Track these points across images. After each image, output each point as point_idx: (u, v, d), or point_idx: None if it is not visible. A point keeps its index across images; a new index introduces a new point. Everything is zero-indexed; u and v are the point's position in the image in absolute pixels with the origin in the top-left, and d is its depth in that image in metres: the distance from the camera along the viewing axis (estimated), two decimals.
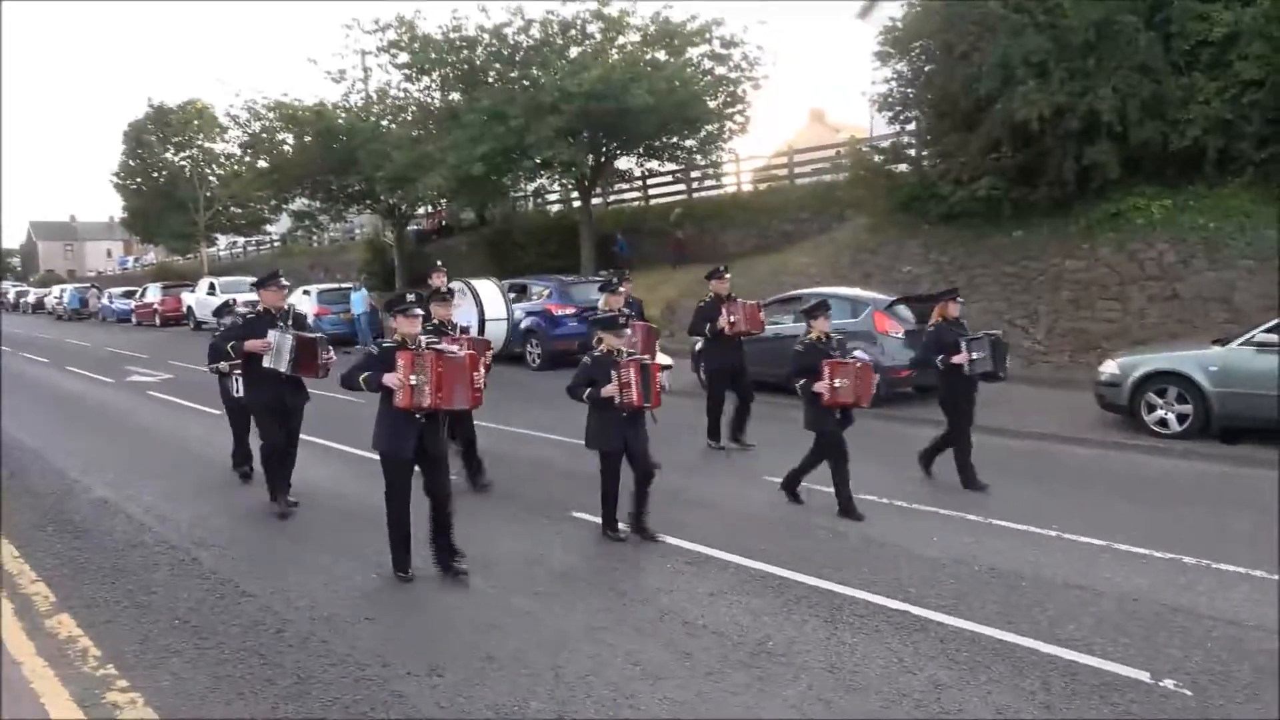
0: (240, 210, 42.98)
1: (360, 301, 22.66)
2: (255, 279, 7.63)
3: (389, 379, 5.66)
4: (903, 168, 17.72)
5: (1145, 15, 13.93)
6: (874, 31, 18.10)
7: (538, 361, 17.19)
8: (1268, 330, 9.28)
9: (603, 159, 24.07)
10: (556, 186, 28.86)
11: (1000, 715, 4.07)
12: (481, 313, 14.87)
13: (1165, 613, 5.16)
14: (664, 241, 24.53)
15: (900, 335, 12.08)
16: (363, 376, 5.75)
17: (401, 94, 27.38)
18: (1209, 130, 13.46)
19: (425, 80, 25.44)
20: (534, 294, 18.18)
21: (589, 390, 6.49)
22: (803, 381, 7.27)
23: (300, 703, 4.29)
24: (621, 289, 9.32)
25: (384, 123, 28.57)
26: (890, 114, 17.91)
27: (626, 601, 5.54)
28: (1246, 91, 13.17)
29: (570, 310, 16.99)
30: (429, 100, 26.27)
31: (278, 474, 7.54)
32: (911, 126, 18.06)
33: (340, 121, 28.63)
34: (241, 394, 8.06)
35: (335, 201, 31.61)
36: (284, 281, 7.44)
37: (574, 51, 22.81)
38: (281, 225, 43.88)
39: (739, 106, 23.29)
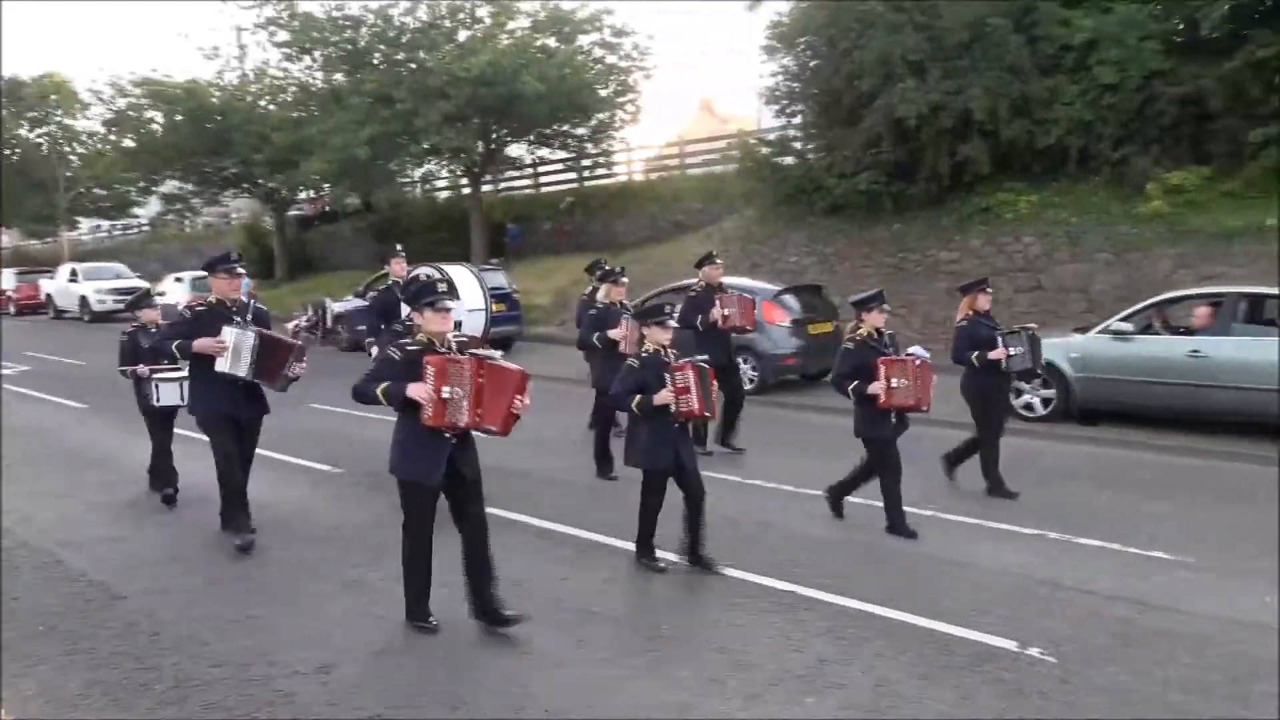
0: (105, 192, 40.47)
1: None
2: (205, 263, 6.42)
3: (415, 391, 4.63)
4: (789, 160, 18.14)
5: (1015, 18, 14.65)
6: (762, 25, 18.44)
7: None
8: (1122, 319, 9.96)
9: (493, 145, 23.78)
10: (445, 173, 28.33)
11: (880, 686, 4.26)
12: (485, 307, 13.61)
13: (1032, 585, 5.49)
14: (556, 230, 24.43)
15: (787, 324, 12.39)
16: (381, 388, 4.71)
17: (281, 73, 26.33)
18: (1071, 130, 14.29)
19: (306, 60, 24.52)
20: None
21: (639, 398, 5.63)
22: (855, 384, 6.48)
23: (180, 706, 4.13)
24: (624, 279, 8.41)
25: (262, 103, 27.42)
26: (777, 107, 18.31)
27: (520, 592, 5.52)
28: (1104, 94, 14.03)
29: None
30: (311, 81, 25.35)
31: (236, 499, 6.30)
32: (798, 120, 18.51)
33: (214, 100, 27.32)
34: (165, 400, 7.18)
35: (209, 185, 30.16)
36: (240, 268, 6.30)
37: (463, 35, 22.42)
38: (151, 209, 41.58)
39: (630, 95, 23.37)
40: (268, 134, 24.40)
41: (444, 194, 29.66)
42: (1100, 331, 9.98)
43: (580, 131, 23.91)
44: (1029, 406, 10.25)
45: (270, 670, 4.45)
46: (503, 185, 28.11)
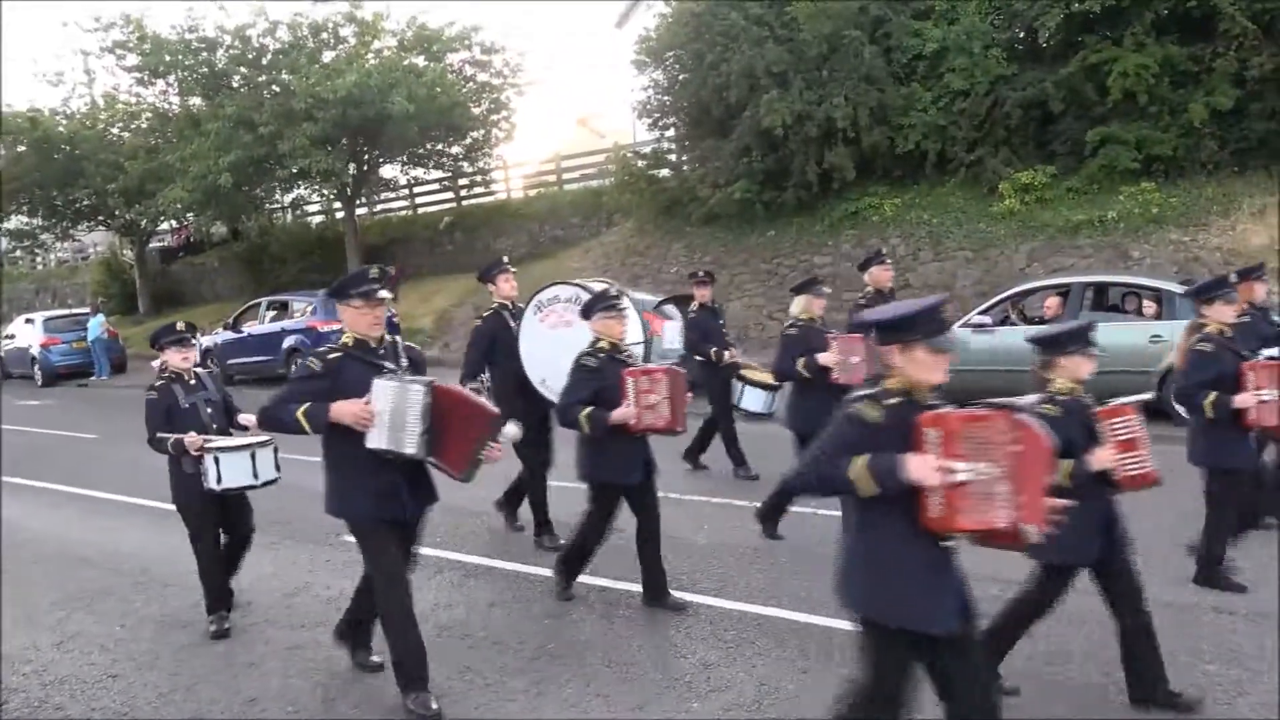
0: None
1: (96, 327, 20.59)
2: (329, 289, 4.41)
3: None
4: (664, 172, 18.38)
5: (869, 31, 15.27)
6: (631, 40, 18.67)
7: None
8: (981, 313, 10.47)
9: (365, 167, 23.25)
10: (317, 197, 27.51)
11: (763, 685, 4.32)
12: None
13: None
14: (435, 251, 24.04)
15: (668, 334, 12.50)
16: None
17: (133, 99, 25.09)
18: (927, 135, 14.96)
19: (160, 84, 23.45)
20: (297, 311, 17.27)
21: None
22: (1215, 396, 5.00)
23: None
24: (826, 290, 6.76)
25: (114, 130, 26.05)
26: (650, 121, 18.54)
27: None
28: (955, 100, 14.76)
29: (337, 325, 16.24)
30: (166, 106, 24.25)
31: (413, 655, 4.18)
32: (670, 133, 18.78)
33: (60, 130, 25.78)
34: (229, 480, 5.04)
35: (60, 218, 28.39)
36: (383, 290, 4.14)
37: (327, 56, 21.86)
38: None
39: (504, 113, 23.25)
40: (122, 163, 23.18)
41: (316, 219, 28.79)
42: (962, 325, 10.45)
43: (455, 150, 23.63)
44: None
45: None
46: (378, 207, 27.51)
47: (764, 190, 16.10)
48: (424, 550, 6.56)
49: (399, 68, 20.68)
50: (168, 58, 21.79)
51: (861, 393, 2.98)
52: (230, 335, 17.82)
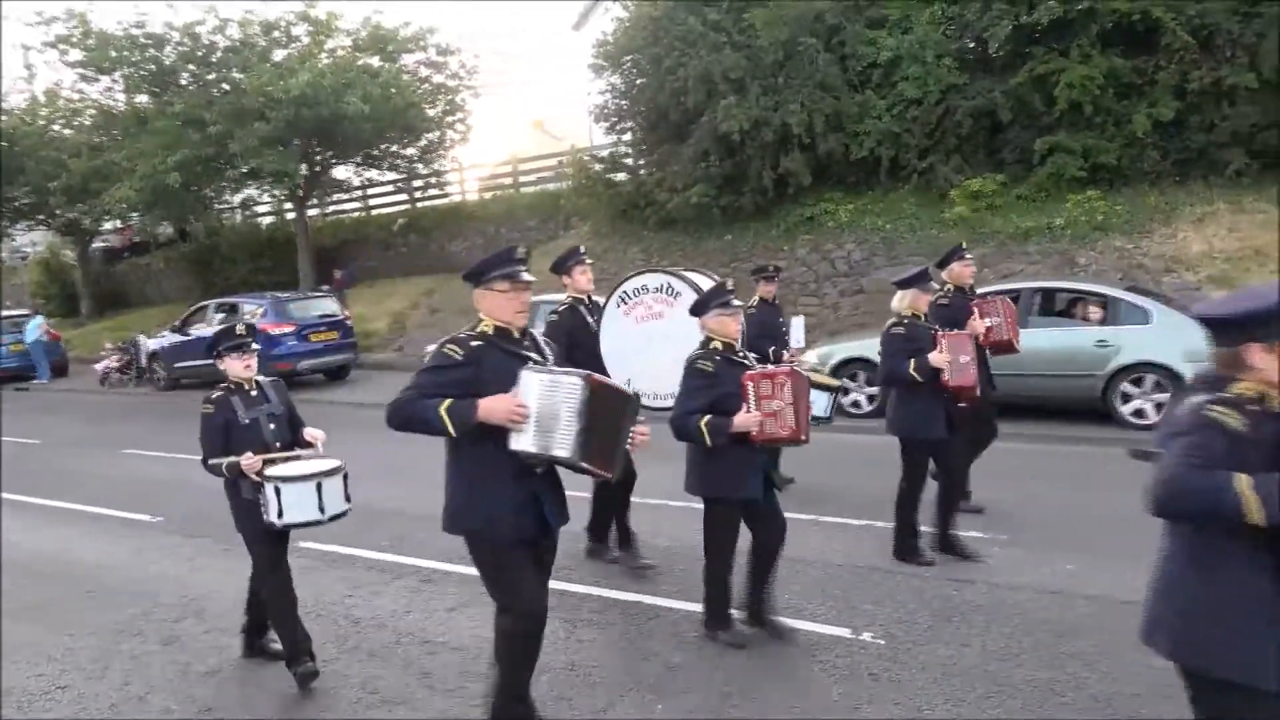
0: None
1: (34, 329, 20.03)
2: (465, 272, 3.73)
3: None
4: (621, 176, 18.41)
5: (825, 38, 15.47)
6: (589, 44, 18.68)
7: None
8: None
9: (317, 168, 22.94)
10: (267, 197, 27.06)
11: (725, 686, 4.35)
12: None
13: (863, 573, 5.75)
14: (388, 253, 23.79)
15: None
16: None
17: (77, 95, 24.44)
18: (881, 142, 15.19)
19: (105, 80, 22.88)
20: (247, 313, 16.95)
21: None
22: None
23: None
24: (934, 285, 6.18)
25: (56, 126, 25.34)
26: (607, 124, 18.57)
27: (361, 628, 5.33)
28: (908, 108, 15.01)
29: (288, 328, 16.03)
30: (111, 103, 23.67)
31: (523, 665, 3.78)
32: (628, 137, 18.82)
33: None
34: (291, 516, 4.34)
35: None
36: (524, 275, 3.61)
37: (279, 55, 21.53)
38: None
39: (459, 115, 23.12)
40: (64, 160, 22.57)
41: (267, 219, 28.33)
42: None
43: (409, 152, 23.43)
44: (856, 404, 10.78)
45: None
46: (330, 209, 27.15)
47: (721, 195, 16.20)
48: (381, 556, 6.55)
49: (353, 68, 20.46)
50: (113, 54, 21.28)
51: (1209, 396, 2.43)
52: (177, 338, 17.43)
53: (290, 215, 25.05)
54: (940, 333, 5.77)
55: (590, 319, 6.01)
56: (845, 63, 15.51)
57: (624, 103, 17.94)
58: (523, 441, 3.41)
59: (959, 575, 5.61)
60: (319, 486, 4.33)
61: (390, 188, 25.90)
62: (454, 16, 33.58)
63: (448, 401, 3.40)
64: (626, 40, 17.29)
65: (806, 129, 15.09)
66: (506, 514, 3.54)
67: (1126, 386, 9.45)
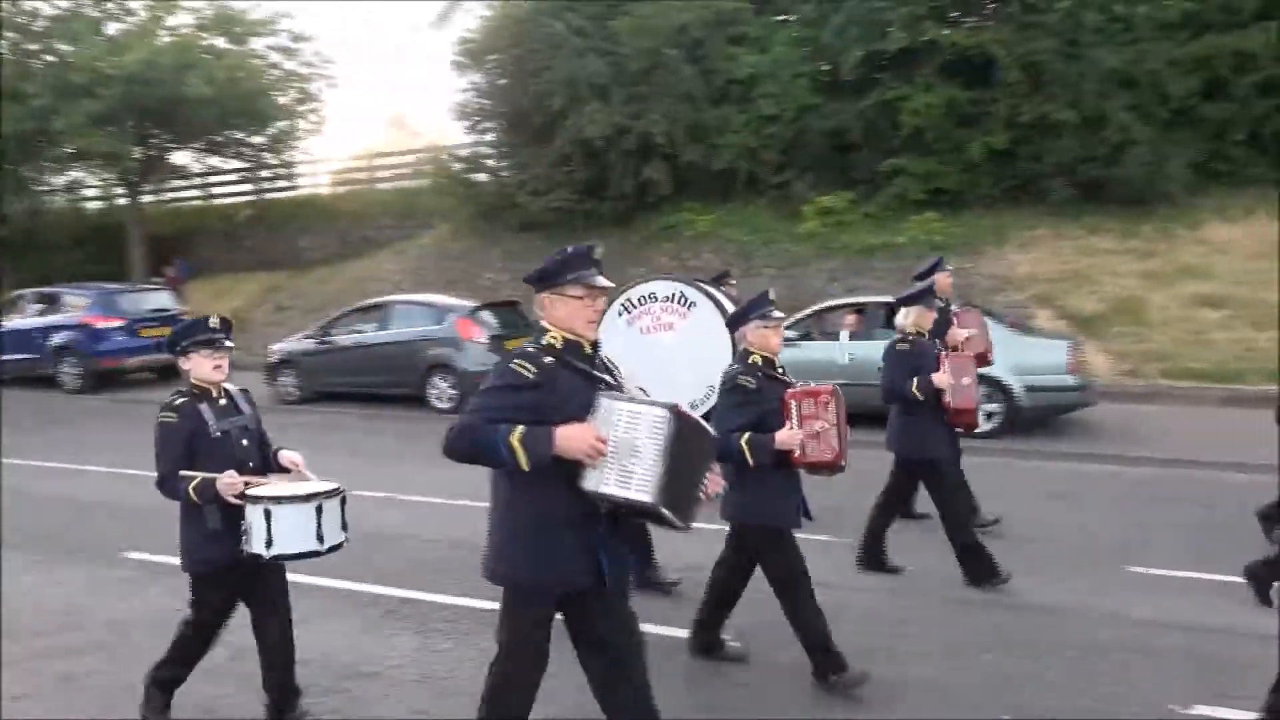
0: None
1: None
2: (529, 276, 3.15)
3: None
4: (482, 177, 18.17)
5: (688, 51, 15.78)
6: (451, 41, 18.37)
7: (79, 383, 14.87)
8: (787, 327, 11.00)
9: (153, 151, 21.54)
10: (97, 180, 25.16)
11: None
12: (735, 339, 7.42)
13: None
14: (231, 246, 22.58)
15: (484, 340, 12.34)
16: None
17: None
18: (739, 156, 15.63)
19: None
20: (69, 305, 15.69)
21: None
22: None
23: None
24: (937, 301, 6.11)
25: None
26: (469, 123, 18.29)
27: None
28: (766, 125, 15.51)
29: (117, 323, 14.94)
30: None
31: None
32: (489, 137, 18.60)
33: None
34: (283, 546, 3.62)
35: None
36: (600, 280, 3.07)
37: (113, 28, 20.11)
38: None
39: (312, 105, 22.28)
40: None
41: (95, 204, 26.32)
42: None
43: (257, 140, 22.37)
44: None
45: None
46: (167, 196, 25.51)
47: (583, 200, 16.25)
48: None
49: (196, 47, 19.34)
50: None
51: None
52: None
53: (122, 201, 23.39)
54: (944, 353, 5.68)
55: None
56: (707, 76, 15.88)
57: (486, 102, 17.74)
58: (598, 481, 2.90)
59: (819, 579, 5.79)
60: (319, 511, 3.65)
61: (235, 177, 24.61)
62: (311, 5, 32.26)
63: (519, 429, 2.87)
64: (489, 40, 17.11)
65: (668, 139, 15.34)
66: (563, 566, 3.06)
67: None
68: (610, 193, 16.08)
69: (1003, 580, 5.44)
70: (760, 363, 4.22)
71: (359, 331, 12.98)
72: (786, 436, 4.05)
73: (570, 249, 3.09)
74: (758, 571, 4.43)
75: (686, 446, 2.91)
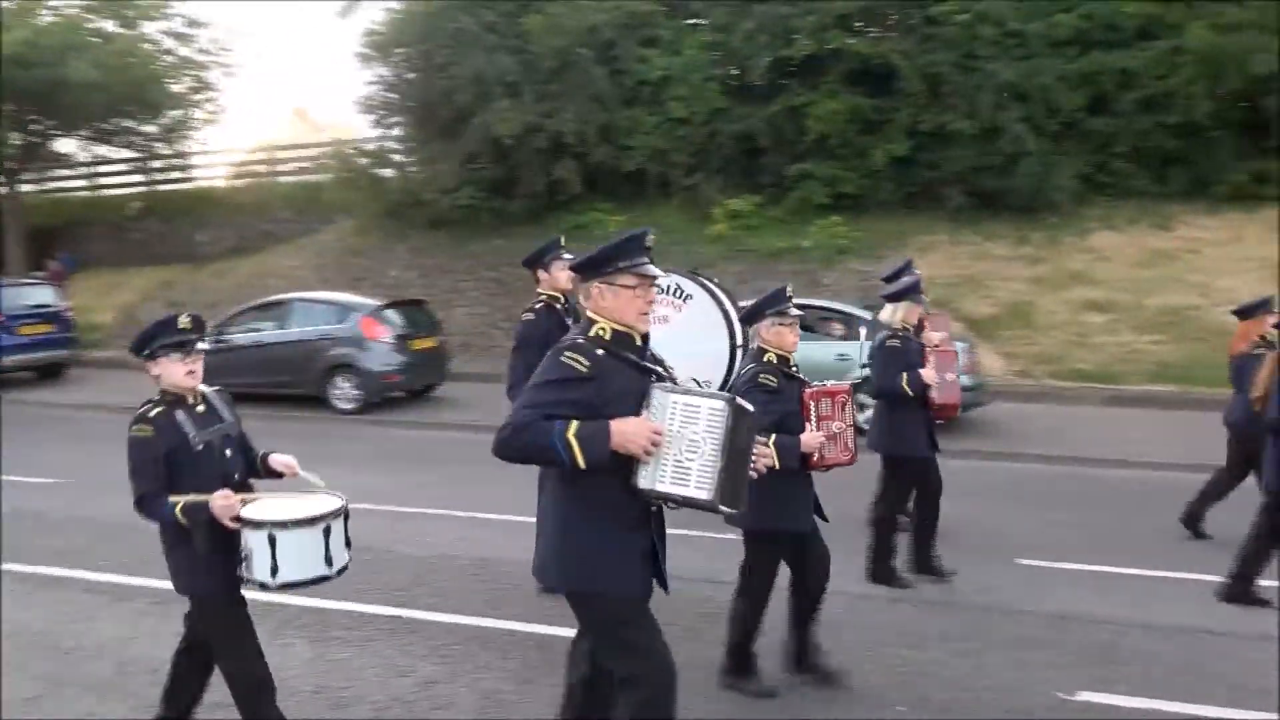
0: None
1: None
2: (586, 258, 2.98)
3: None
4: (389, 172, 17.78)
5: (599, 51, 15.76)
6: (358, 31, 17.92)
7: None
8: None
9: (34, 138, 20.38)
10: None
11: (485, 699, 4.27)
12: (732, 333, 6.50)
13: None
14: (121, 239, 21.51)
15: (389, 340, 12.06)
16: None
17: None
18: (649, 158, 15.69)
19: None
20: None
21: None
22: None
23: None
24: (922, 298, 5.94)
25: None
26: (374, 117, 17.89)
27: (76, 658, 4.74)
28: (676, 127, 15.60)
29: None
30: None
31: None
32: (396, 131, 18.21)
33: None
34: (288, 573, 3.27)
35: None
36: (652, 269, 2.93)
37: None
38: None
39: (209, 94, 21.43)
40: None
41: None
42: None
43: (149, 129, 21.41)
44: None
45: None
46: (50, 185, 24.15)
47: (491, 198, 16.07)
48: (103, 577, 5.87)
49: (82, 29, 18.38)
50: None
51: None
52: None
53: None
54: (929, 349, 5.69)
55: (570, 322, 5.22)
56: (618, 77, 15.89)
57: (393, 96, 17.38)
58: (652, 478, 2.76)
59: (716, 577, 5.83)
60: (327, 532, 3.33)
61: (125, 167, 23.48)
62: None
63: (574, 424, 2.73)
64: (397, 32, 16.77)
65: (579, 138, 15.29)
66: (633, 568, 2.90)
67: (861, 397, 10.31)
68: (520, 191, 15.94)
69: (906, 586, 5.63)
70: (776, 361, 4.09)
71: (257, 330, 12.53)
72: (810, 439, 3.91)
73: (625, 235, 2.94)
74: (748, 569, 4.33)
75: (742, 436, 2.80)
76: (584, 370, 2.79)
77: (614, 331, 2.90)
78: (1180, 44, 14.11)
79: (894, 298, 5.78)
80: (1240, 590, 5.35)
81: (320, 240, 18.75)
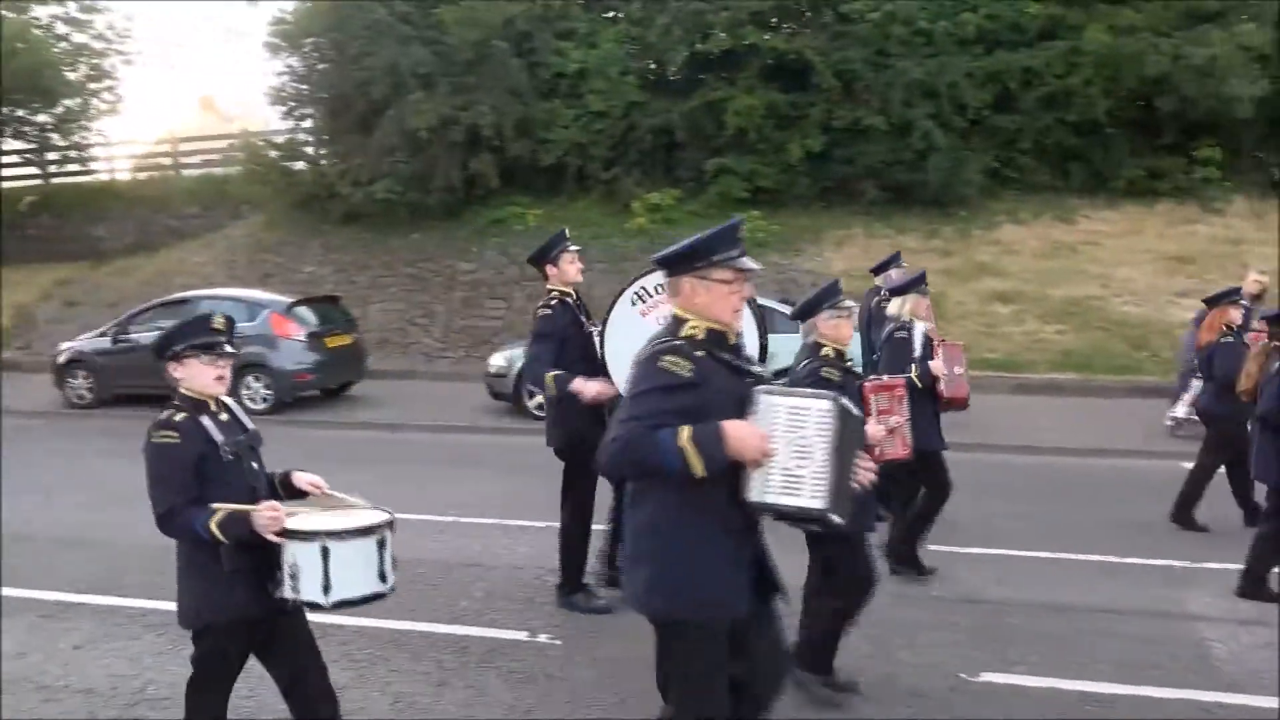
0: None
1: None
2: (657, 257, 2.81)
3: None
4: (300, 165, 17.32)
5: (516, 44, 15.61)
6: (266, 20, 17.39)
7: None
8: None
9: None
10: None
11: (397, 702, 4.19)
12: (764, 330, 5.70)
13: (545, 576, 5.80)
14: (13, 235, 20.46)
15: (302, 338, 11.75)
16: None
17: None
18: (568, 151, 15.61)
19: None
20: None
21: None
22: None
23: None
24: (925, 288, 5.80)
25: None
26: (285, 109, 17.39)
27: None
28: (594, 121, 15.56)
29: None
30: None
31: None
32: (308, 123, 17.75)
33: None
34: (343, 590, 2.98)
35: None
36: (749, 262, 2.74)
37: None
38: None
39: (107, 82, 20.52)
40: None
41: None
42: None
43: (43, 119, 20.40)
44: (541, 407, 10.94)
45: None
46: None
47: (408, 192, 15.79)
48: None
49: None
50: None
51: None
52: None
53: None
54: (937, 342, 5.60)
55: (583, 318, 5.11)
56: (535, 70, 15.77)
57: (304, 88, 16.93)
58: (761, 489, 2.53)
59: None
60: (381, 545, 3.06)
61: (17, 159, 22.34)
62: None
63: (686, 430, 2.47)
64: (307, 21, 16.34)
65: (496, 131, 15.14)
66: (739, 581, 2.66)
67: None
68: (436, 184, 15.69)
69: (928, 572, 5.72)
70: (833, 355, 3.94)
71: (162, 328, 12.04)
72: (873, 431, 3.75)
73: (722, 226, 2.73)
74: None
75: (850, 440, 2.62)
76: (688, 375, 2.55)
77: (709, 331, 2.66)
78: (1079, 45, 14.66)
79: (899, 290, 5.73)
80: (1251, 586, 5.27)
81: (229, 236, 18.15)
